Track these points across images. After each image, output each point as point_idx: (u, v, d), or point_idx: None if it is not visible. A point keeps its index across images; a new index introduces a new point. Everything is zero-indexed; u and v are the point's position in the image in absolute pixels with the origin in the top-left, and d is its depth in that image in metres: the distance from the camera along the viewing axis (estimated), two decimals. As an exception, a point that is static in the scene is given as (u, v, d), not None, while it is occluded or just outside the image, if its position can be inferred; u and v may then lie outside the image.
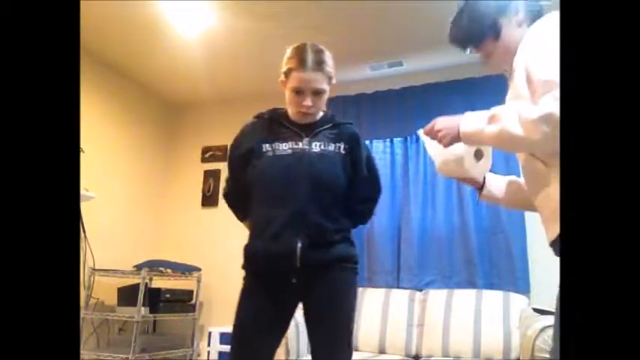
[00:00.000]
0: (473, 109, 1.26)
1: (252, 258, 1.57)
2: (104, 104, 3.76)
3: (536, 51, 1.13)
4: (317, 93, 1.53)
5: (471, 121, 1.22)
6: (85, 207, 3.27)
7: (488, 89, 3.19)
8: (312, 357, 1.50)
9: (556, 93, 0.98)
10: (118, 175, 3.85)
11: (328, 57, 1.55)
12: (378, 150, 3.58)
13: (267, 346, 1.52)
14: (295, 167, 1.52)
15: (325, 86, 1.54)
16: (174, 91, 4.23)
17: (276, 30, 3.13)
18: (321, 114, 1.65)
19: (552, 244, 1.14)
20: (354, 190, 1.61)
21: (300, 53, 1.52)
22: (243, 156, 1.61)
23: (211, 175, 4.20)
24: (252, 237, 1.59)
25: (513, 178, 1.51)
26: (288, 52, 1.56)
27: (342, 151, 1.59)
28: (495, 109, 1.15)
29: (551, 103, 0.99)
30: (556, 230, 1.09)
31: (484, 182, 1.50)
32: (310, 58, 1.50)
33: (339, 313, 1.51)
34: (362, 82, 3.78)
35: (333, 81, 1.58)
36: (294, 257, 1.46)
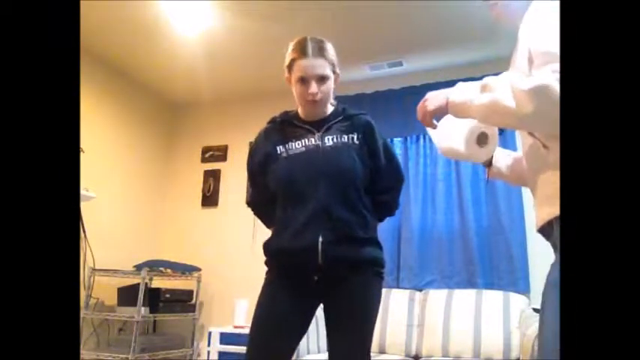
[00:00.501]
0: None
1: (273, 254, 1.54)
2: (104, 104, 3.76)
3: (537, 21, 1.04)
4: (321, 79, 1.51)
5: (461, 91, 1.15)
6: (85, 207, 3.28)
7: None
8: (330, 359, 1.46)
9: (555, 66, 0.89)
10: (118, 175, 3.85)
11: (329, 46, 1.55)
12: (378, 150, 3.58)
13: (285, 343, 1.48)
14: (310, 164, 1.51)
15: (328, 72, 1.52)
16: (173, 91, 4.23)
17: (276, 30, 3.13)
18: (331, 108, 1.63)
19: (541, 229, 1.08)
20: (375, 180, 1.57)
21: (300, 44, 1.52)
22: (260, 162, 1.61)
23: (211, 175, 4.20)
24: (273, 235, 1.56)
25: (522, 155, 1.41)
26: (290, 47, 1.56)
27: (356, 141, 1.56)
28: (488, 79, 1.06)
29: (547, 76, 0.90)
30: (548, 214, 1.03)
31: (491, 160, 1.42)
32: (310, 46, 1.50)
33: (362, 320, 1.46)
34: (362, 82, 3.78)
35: (337, 70, 1.56)
36: (315, 253, 1.42)
